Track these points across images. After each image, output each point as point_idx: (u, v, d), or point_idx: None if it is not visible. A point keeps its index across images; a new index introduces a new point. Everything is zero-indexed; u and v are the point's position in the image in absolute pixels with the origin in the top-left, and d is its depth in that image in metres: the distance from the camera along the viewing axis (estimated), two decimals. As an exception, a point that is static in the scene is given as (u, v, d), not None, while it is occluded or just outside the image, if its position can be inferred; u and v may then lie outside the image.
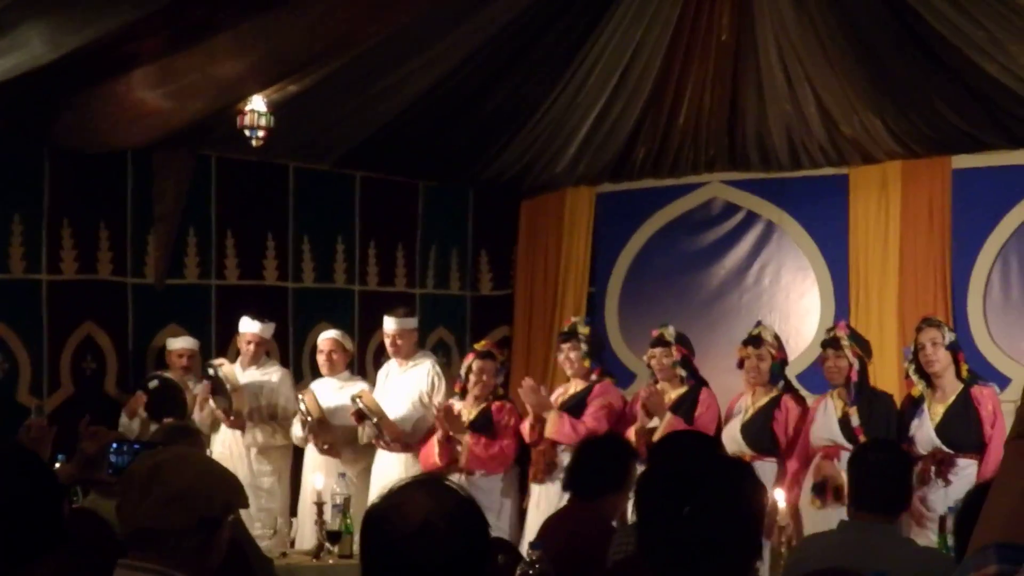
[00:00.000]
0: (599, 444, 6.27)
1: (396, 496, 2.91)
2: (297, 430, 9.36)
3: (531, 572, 4.39)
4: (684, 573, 2.79)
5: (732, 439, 8.28)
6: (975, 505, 4.44)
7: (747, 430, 8.30)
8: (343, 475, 8.12)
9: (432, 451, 8.79)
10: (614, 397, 8.85)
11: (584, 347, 8.79)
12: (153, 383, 9.58)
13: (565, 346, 8.86)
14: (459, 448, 8.67)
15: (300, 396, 8.95)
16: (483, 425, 8.80)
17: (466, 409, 8.87)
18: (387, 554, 2.85)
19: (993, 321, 10.17)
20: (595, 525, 5.69)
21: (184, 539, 3.32)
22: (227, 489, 3.48)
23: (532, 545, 4.47)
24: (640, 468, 6.30)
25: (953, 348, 7.80)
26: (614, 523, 5.90)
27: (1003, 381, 9.36)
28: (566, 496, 6.29)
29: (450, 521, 2.85)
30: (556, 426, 8.42)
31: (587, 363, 8.82)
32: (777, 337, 8.57)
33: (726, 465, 2.91)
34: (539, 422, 8.63)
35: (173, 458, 3.51)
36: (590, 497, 5.81)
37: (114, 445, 5.59)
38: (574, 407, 8.67)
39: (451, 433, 8.64)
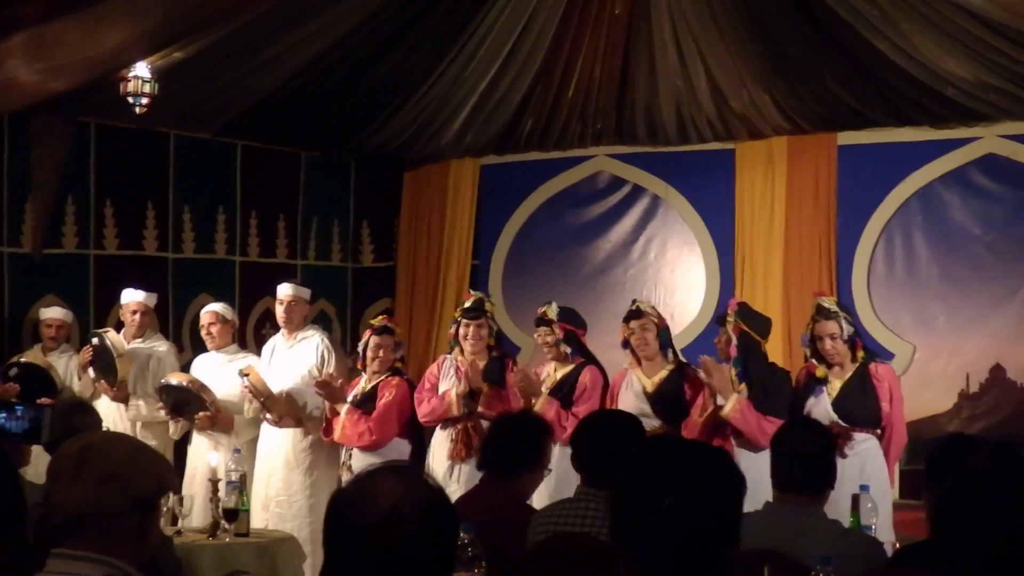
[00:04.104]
0: (514, 422, 6.18)
1: (364, 482, 2.83)
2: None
3: (464, 556, 4.30)
4: (662, 563, 2.74)
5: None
6: (946, 455, 4.52)
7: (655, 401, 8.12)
8: (238, 451, 7.95)
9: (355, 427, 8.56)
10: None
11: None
12: (12, 371, 9.04)
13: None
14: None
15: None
16: (368, 401, 8.64)
17: (365, 385, 8.72)
18: (352, 541, 2.76)
19: (877, 296, 10.30)
20: (512, 504, 5.63)
21: (119, 522, 3.20)
22: (160, 469, 3.36)
23: (463, 527, 4.37)
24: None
25: (851, 340, 7.75)
26: (529, 502, 5.85)
27: (886, 356, 9.46)
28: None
29: (420, 510, 2.77)
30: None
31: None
32: (654, 307, 8.42)
33: (708, 453, 2.85)
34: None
35: (101, 439, 3.39)
36: (506, 476, 5.74)
37: None
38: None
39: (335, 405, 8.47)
